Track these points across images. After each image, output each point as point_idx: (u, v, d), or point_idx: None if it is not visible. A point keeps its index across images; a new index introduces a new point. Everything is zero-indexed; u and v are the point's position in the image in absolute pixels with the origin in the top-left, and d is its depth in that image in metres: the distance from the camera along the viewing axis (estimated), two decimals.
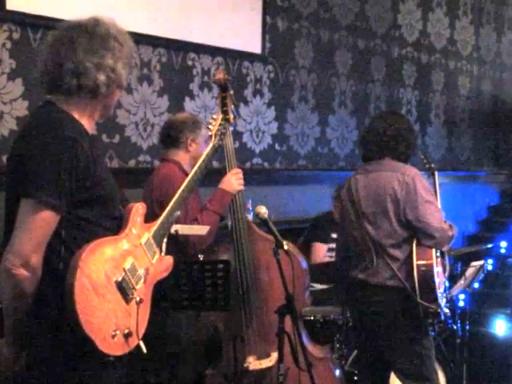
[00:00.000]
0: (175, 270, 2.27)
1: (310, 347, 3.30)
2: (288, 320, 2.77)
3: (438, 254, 3.40)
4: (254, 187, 4.45)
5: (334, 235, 4.64)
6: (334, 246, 4.64)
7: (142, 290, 2.05)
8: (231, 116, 3.22)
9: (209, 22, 4.83)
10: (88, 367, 1.96)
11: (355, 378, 4.03)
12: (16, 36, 3.87)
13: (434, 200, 3.38)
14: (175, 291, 2.75)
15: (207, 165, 2.75)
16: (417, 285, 3.24)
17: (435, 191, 3.95)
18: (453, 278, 4.39)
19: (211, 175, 2.83)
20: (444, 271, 3.53)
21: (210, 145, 2.98)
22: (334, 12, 5.88)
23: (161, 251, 2.20)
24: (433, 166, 4.35)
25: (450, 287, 4.18)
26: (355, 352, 4.07)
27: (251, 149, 5.31)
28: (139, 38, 4.13)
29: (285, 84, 5.53)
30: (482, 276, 4.57)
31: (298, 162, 5.69)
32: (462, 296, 4.68)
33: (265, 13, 5.25)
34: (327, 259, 4.62)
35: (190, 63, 4.83)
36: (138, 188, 3.55)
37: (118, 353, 1.95)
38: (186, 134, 3.42)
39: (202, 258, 3.00)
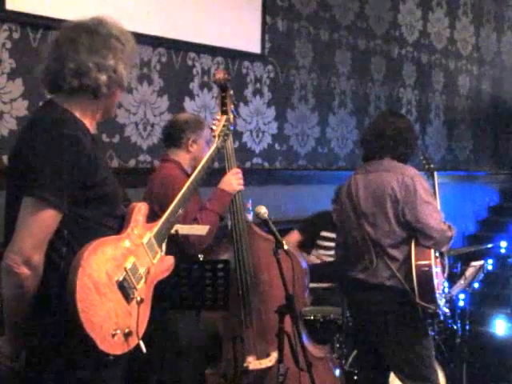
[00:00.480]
0: (175, 269, 2.27)
1: (310, 347, 3.30)
2: (288, 320, 2.77)
3: (437, 255, 3.40)
4: (254, 187, 4.45)
5: (326, 233, 4.67)
6: (325, 243, 4.69)
7: (143, 290, 2.05)
8: (231, 116, 3.22)
9: (209, 21, 4.83)
10: (88, 366, 1.97)
11: (355, 377, 4.03)
12: (16, 36, 3.87)
13: (433, 201, 3.38)
14: (175, 291, 2.75)
15: (210, 166, 2.75)
16: (416, 285, 3.25)
17: (435, 191, 3.96)
18: (453, 278, 4.39)
19: (211, 175, 2.82)
20: (443, 271, 3.53)
21: (214, 146, 2.96)
22: (333, 12, 5.88)
23: (162, 251, 2.20)
24: (432, 166, 4.35)
25: (450, 287, 4.19)
26: (355, 352, 4.07)
27: (251, 149, 5.31)
28: (139, 38, 4.11)
29: (285, 84, 5.53)
30: (481, 276, 4.57)
31: (297, 162, 5.69)
32: (461, 296, 4.68)
33: (265, 13, 5.25)
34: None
35: (189, 63, 4.83)
36: (138, 188, 3.55)
37: (118, 352, 1.95)
38: (187, 135, 3.42)
39: (202, 258, 3.00)
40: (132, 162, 4.50)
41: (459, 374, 4.59)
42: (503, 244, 6.12)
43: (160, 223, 2.20)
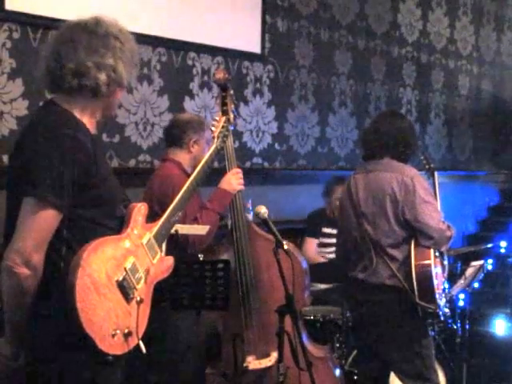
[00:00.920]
0: (175, 269, 2.27)
1: (310, 347, 3.30)
2: (288, 320, 2.77)
3: (437, 254, 3.40)
4: (253, 187, 4.45)
5: (327, 230, 4.70)
6: (326, 240, 4.73)
7: (143, 290, 2.05)
8: (231, 116, 3.22)
9: (209, 21, 4.83)
10: (87, 366, 1.96)
11: (355, 377, 4.03)
12: (16, 36, 3.87)
13: (432, 200, 3.38)
14: (175, 291, 2.75)
15: (210, 166, 2.75)
16: (415, 285, 3.24)
17: (435, 191, 3.96)
18: (453, 278, 4.39)
19: (211, 175, 2.83)
20: (443, 271, 3.53)
21: (213, 146, 2.96)
22: (333, 12, 5.88)
23: (162, 251, 2.20)
24: (432, 165, 4.35)
25: (450, 287, 4.18)
26: (355, 352, 4.07)
27: (251, 148, 5.31)
28: (139, 38, 4.11)
29: (285, 84, 5.53)
30: (481, 276, 4.57)
31: (297, 162, 5.69)
32: (461, 296, 4.68)
33: (265, 13, 5.25)
34: (317, 252, 4.74)
35: (189, 63, 4.83)
36: (138, 188, 3.54)
37: (118, 352, 1.95)
38: (189, 135, 3.42)
39: (201, 258, 3.00)
40: (132, 162, 4.50)
41: (459, 374, 4.59)
42: (503, 244, 6.12)
43: (160, 223, 2.20)
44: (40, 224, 1.91)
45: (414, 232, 3.30)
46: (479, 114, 7.68)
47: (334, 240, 4.64)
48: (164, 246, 2.24)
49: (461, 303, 4.70)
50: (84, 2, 4.00)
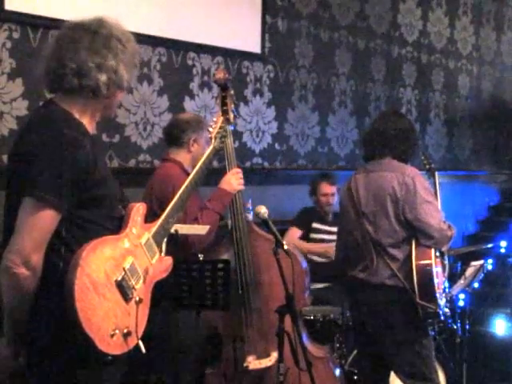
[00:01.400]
0: (175, 269, 2.27)
1: (310, 347, 3.30)
2: (288, 320, 2.77)
3: (438, 254, 3.40)
4: (253, 187, 4.45)
5: (316, 225, 4.78)
6: (315, 236, 4.77)
7: (142, 290, 2.05)
8: (231, 115, 3.22)
9: (209, 21, 4.84)
10: (87, 366, 1.96)
11: (355, 377, 4.03)
12: (16, 36, 3.87)
13: (433, 200, 3.38)
14: (175, 291, 2.75)
15: (207, 166, 2.75)
16: (416, 285, 3.24)
17: (435, 191, 3.96)
18: (453, 278, 4.39)
19: (211, 175, 2.83)
20: (444, 271, 3.53)
21: (211, 147, 2.97)
22: (333, 12, 5.88)
23: (161, 251, 2.20)
24: (433, 165, 4.35)
25: (450, 287, 4.18)
26: (355, 352, 4.07)
27: (251, 148, 5.32)
28: (139, 38, 4.11)
29: (285, 84, 5.53)
30: (481, 276, 4.57)
31: (297, 162, 5.69)
32: (461, 295, 4.67)
33: (265, 12, 5.25)
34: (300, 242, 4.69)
35: (189, 63, 4.83)
36: (138, 188, 3.54)
37: (117, 352, 1.95)
38: (188, 134, 3.42)
39: (201, 258, 3.00)
40: (132, 162, 4.50)
41: (459, 374, 4.58)
42: (503, 244, 6.11)
43: (158, 223, 2.20)
44: (39, 224, 1.90)
45: (415, 232, 3.30)
46: (479, 114, 7.68)
47: (322, 235, 4.77)
48: (164, 245, 2.24)
49: (461, 303, 4.70)
50: (84, 2, 4.01)
